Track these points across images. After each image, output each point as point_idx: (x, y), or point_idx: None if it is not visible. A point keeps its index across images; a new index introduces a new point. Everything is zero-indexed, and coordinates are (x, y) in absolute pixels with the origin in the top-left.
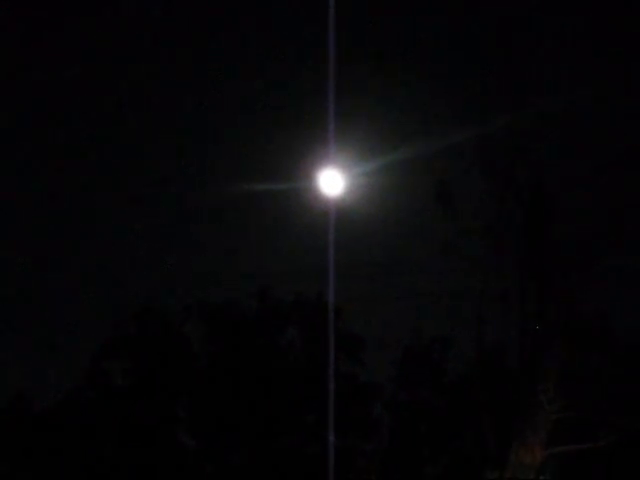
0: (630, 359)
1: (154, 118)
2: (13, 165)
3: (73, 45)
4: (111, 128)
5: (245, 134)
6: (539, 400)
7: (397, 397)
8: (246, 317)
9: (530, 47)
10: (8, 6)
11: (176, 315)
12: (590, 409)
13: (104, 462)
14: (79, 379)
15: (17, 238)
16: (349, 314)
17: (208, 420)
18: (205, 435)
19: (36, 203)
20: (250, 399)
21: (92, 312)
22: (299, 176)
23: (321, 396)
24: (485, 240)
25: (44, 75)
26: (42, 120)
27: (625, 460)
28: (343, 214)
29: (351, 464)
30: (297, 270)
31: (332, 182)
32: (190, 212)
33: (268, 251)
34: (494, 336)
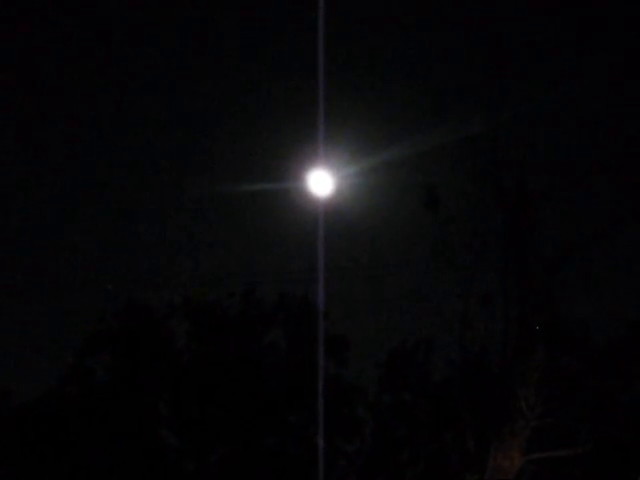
0: (609, 366)
1: (141, 118)
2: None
3: (72, 42)
4: (102, 126)
5: (233, 133)
6: (519, 406)
7: (380, 399)
8: (231, 316)
9: (515, 46)
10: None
11: (160, 312)
12: (569, 416)
13: (85, 458)
14: (61, 374)
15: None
16: (335, 315)
17: (191, 418)
18: (188, 433)
19: (24, 198)
20: (233, 398)
21: (75, 307)
22: (288, 176)
23: (304, 397)
24: (470, 243)
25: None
26: (39, 121)
27: (602, 467)
28: (332, 215)
29: (332, 465)
30: (285, 271)
31: (322, 182)
32: (177, 211)
33: (256, 251)
34: (478, 340)
